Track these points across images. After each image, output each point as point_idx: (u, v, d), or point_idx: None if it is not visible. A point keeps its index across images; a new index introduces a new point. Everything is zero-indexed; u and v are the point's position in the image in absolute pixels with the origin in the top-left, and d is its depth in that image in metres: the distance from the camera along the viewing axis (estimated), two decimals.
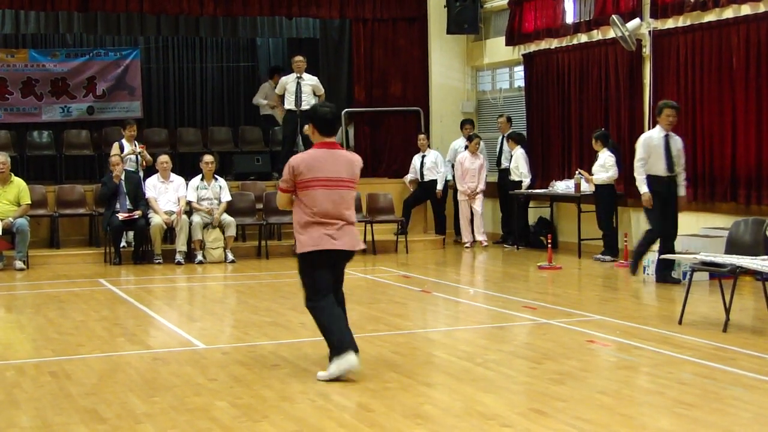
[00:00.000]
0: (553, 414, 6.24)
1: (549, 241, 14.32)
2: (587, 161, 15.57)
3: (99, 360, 8.13)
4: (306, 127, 8.02)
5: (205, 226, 14.79)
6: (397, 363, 7.83)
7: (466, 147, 17.02)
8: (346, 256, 7.62)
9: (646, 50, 14.50)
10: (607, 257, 14.52)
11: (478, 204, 16.77)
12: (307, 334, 9.12)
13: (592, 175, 14.70)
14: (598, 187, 14.64)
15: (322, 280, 7.46)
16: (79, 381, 7.29)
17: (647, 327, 9.25)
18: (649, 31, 14.40)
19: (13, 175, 14.78)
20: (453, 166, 17.28)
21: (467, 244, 16.75)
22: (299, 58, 17.70)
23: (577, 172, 15.21)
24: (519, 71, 17.75)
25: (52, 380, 7.32)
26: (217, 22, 19.55)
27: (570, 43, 16.09)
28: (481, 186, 16.82)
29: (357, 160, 7.71)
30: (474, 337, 9.22)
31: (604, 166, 14.56)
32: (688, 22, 13.80)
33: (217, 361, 8.03)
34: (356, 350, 7.23)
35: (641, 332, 9.00)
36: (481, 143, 17.11)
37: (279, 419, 6.20)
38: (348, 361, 7.15)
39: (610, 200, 14.72)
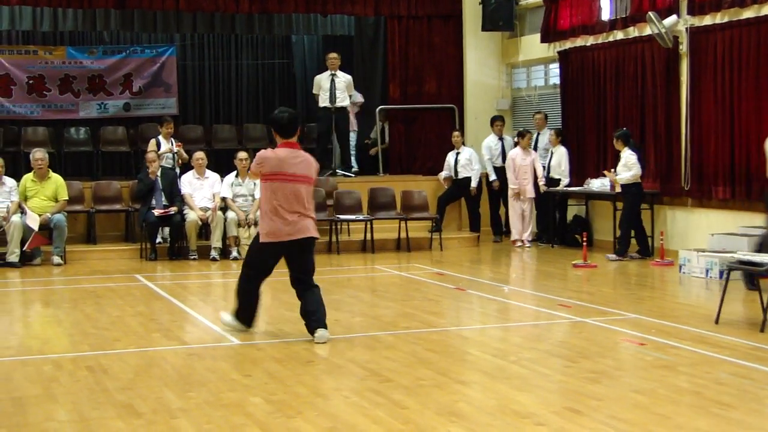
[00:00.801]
0: (588, 413, 6.21)
1: (584, 239, 14.25)
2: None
3: (135, 355, 8.19)
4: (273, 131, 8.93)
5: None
6: (431, 360, 7.82)
7: (516, 143, 16.89)
8: (300, 244, 8.63)
9: (683, 47, 14.38)
10: (614, 255, 14.44)
11: (527, 202, 16.62)
12: (342, 330, 9.14)
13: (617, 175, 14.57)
14: (624, 187, 14.51)
15: (266, 264, 8.88)
16: (116, 376, 7.34)
17: (683, 326, 9.19)
18: (686, 28, 14.29)
19: (50, 171, 14.90)
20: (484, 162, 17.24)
21: (519, 243, 16.59)
22: (333, 55, 17.75)
23: (603, 173, 15.13)
24: (554, 68, 17.67)
25: (89, 375, 7.38)
26: (252, 19, 19.59)
27: (606, 40, 16.00)
28: (533, 183, 16.63)
29: (313, 161, 8.82)
30: (508, 335, 9.20)
31: (627, 165, 14.44)
32: (726, 19, 13.68)
33: (251, 357, 8.05)
34: (250, 327, 8.93)
35: (677, 331, 8.95)
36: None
37: (313, 415, 6.21)
38: (238, 327, 8.91)
39: (634, 199, 14.54)
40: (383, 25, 19.35)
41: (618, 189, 14.64)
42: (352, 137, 18.58)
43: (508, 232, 17.15)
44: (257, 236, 8.91)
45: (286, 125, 8.68)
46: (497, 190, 17.12)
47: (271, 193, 8.52)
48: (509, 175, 16.69)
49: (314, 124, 19.19)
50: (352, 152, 18.60)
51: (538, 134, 17.09)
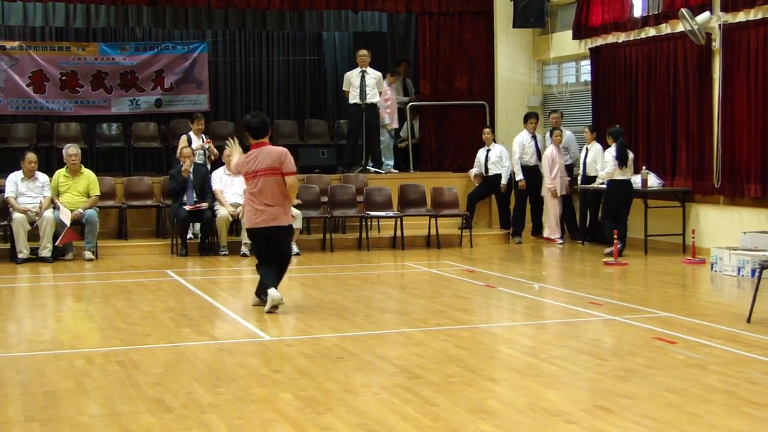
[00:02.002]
0: (619, 411, 6.19)
1: (616, 236, 14.19)
2: (654, 156, 15.42)
3: (165, 350, 8.22)
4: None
5: None
6: (461, 357, 7.81)
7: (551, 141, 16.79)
8: (271, 231, 9.90)
9: (716, 44, 14.28)
10: (607, 249, 14.63)
11: (559, 201, 16.58)
12: (372, 327, 9.16)
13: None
14: (608, 181, 15.07)
15: (257, 249, 10.31)
16: (146, 370, 7.38)
17: (715, 324, 9.14)
18: (719, 25, 14.19)
19: (83, 166, 14.99)
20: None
21: (560, 242, 16.47)
22: (363, 52, 17.77)
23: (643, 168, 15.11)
24: (585, 65, 17.60)
25: (120, 369, 7.42)
26: (283, 16, 19.63)
27: (638, 37, 15.91)
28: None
29: (280, 151, 10.02)
30: (538, 332, 9.17)
31: (608, 162, 14.96)
32: (760, 15, 13.56)
33: (281, 353, 8.07)
34: (275, 286, 9.90)
35: (709, 330, 8.90)
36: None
37: (343, 412, 6.22)
38: (271, 294, 9.77)
39: (609, 195, 15.08)
40: (414, 22, 19.35)
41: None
42: (385, 136, 18.49)
43: (538, 231, 17.01)
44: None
45: (256, 128, 10.07)
46: (523, 189, 16.94)
47: (248, 187, 10.02)
48: (546, 173, 16.62)
49: (344, 120, 19.24)
50: (389, 150, 18.57)
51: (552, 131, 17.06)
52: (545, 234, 16.81)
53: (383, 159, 18.21)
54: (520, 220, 16.99)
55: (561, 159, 16.49)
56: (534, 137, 17.05)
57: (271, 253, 10.07)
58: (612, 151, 14.87)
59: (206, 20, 19.38)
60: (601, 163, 15.34)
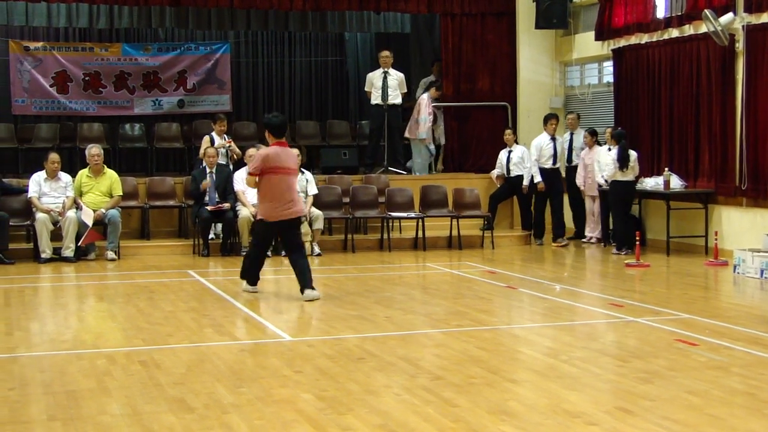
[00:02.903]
0: (640, 413, 6.17)
1: (637, 238, 14.14)
2: (677, 158, 15.37)
3: (187, 350, 8.25)
4: (266, 132, 10.94)
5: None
6: (482, 359, 7.81)
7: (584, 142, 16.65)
8: (292, 222, 10.82)
9: (740, 45, 14.21)
10: (622, 251, 14.89)
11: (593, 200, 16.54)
12: (393, 328, 9.16)
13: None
14: (610, 183, 15.30)
15: (267, 239, 11.33)
16: (168, 370, 7.41)
17: (737, 327, 9.10)
18: (743, 26, 14.12)
19: (105, 167, 15.05)
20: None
21: (594, 241, 16.44)
22: (386, 53, 17.79)
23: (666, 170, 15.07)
24: (608, 66, 17.55)
25: (142, 369, 7.45)
26: (305, 16, 19.67)
27: (661, 38, 15.86)
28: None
29: (296, 153, 11.30)
30: (560, 333, 9.15)
31: (606, 163, 15.23)
32: None
33: (302, 353, 8.09)
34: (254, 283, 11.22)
35: (731, 332, 8.86)
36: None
37: (364, 412, 6.23)
38: (254, 289, 11.20)
39: (614, 197, 15.27)
40: (437, 23, 19.36)
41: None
42: (423, 152, 18.37)
43: (561, 234, 16.83)
44: (258, 222, 11.12)
45: (279, 126, 10.81)
46: (542, 191, 16.67)
47: (271, 182, 10.62)
48: (579, 173, 16.51)
49: (366, 121, 19.25)
50: (425, 170, 18.47)
51: (572, 134, 16.99)
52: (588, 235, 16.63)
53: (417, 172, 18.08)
54: (542, 222, 16.84)
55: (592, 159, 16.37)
56: (554, 139, 16.79)
57: (290, 243, 11.00)
58: (613, 153, 15.01)
59: (229, 21, 19.45)
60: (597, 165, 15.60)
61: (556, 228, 16.64)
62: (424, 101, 18.01)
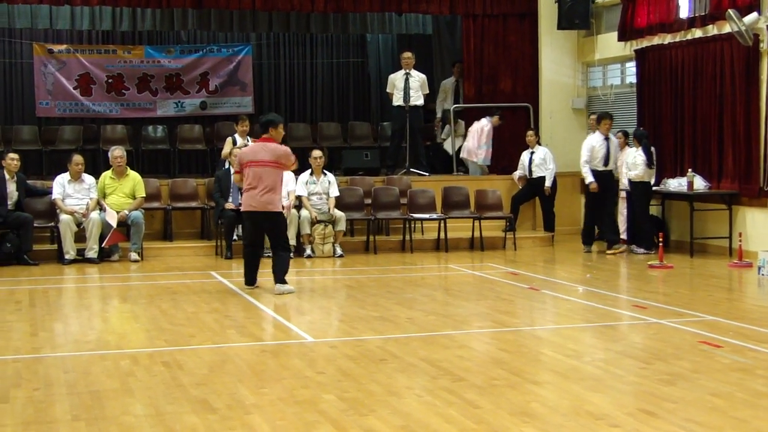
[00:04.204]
0: (664, 415, 6.15)
1: (660, 239, 14.08)
2: (701, 159, 15.30)
3: (210, 351, 8.27)
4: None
5: (315, 222, 14.91)
6: (505, 360, 7.80)
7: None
8: (262, 215, 11.29)
9: (764, 45, 14.14)
10: (641, 249, 15.11)
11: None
12: (415, 329, 9.16)
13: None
14: (632, 184, 15.23)
15: (246, 232, 11.88)
16: (191, 371, 7.43)
17: (761, 328, 9.05)
18: (767, 26, 14.05)
19: (129, 168, 15.12)
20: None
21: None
22: (408, 54, 17.79)
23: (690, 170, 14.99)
24: (631, 67, 17.49)
25: (165, 370, 7.47)
26: (327, 18, 19.71)
27: (684, 39, 15.79)
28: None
29: (280, 149, 11.40)
30: (582, 335, 9.13)
31: (634, 164, 15.04)
32: None
33: (325, 354, 8.09)
34: (252, 285, 11.67)
35: (755, 334, 8.81)
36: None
37: (386, 413, 6.22)
38: (250, 288, 11.60)
39: (639, 197, 15.21)
40: (459, 24, 19.35)
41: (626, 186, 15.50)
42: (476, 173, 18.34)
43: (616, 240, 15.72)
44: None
45: (260, 125, 11.69)
46: (595, 192, 15.62)
47: (247, 176, 11.31)
48: (621, 173, 15.80)
49: (388, 122, 19.26)
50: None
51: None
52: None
53: None
54: (591, 228, 15.96)
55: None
56: (607, 139, 15.74)
57: (270, 239, 11.95)
58: (641, 153, 14.93)
59: (251, 23, 19.52)
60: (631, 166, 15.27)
61: (610, 234, 15.59)
62: (487, 128, 17.94)
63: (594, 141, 15.81)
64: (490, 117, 18.13)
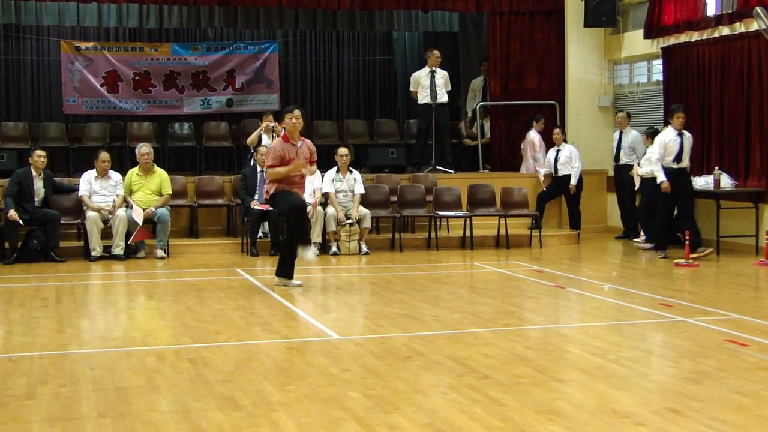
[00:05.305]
0: (690, 414, 6.12)
1: (687, 237, 14.00)
2: (727, 157, 15.22)
3: (235, 348, 8.30)
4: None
5: (340, 224, 14.93)
6: (530, 358, 7.78)
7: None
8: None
9: None
10: (647, 245, 15.24)
11: None
12: (440, 327, 9.16)
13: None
14: (642, 180, 15.34)
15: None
16: (216, 368, 7.45)
17: None
18: None
19: (155, 165, 15.17)
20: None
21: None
22: (436, 52, 17.77)
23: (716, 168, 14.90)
24: (657, 65, 17.42)
25: (191, 367, 7.50)
26: (354, 15, 19.73)
27: (711, 36, 15.71)
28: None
29: (307, 143, 11.81)
30: (608, 333, 9.09)
31: (648, 160, 14.98)
32: None
33: (350, 352, 8.10)
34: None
35: None
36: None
37: (411, 411, 6.23)
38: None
39: (650, 193, 15.06)
40: (485, 22, 19.32)
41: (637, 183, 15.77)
42: None
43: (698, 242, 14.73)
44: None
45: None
46: (667, 192, 14.43)
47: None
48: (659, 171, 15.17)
49: (414, 120, 19.25)
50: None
51: (621, 133, 16.80)
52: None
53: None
54: (666, 232, 14.80)
55: None
56: (681, 134, 14.48)
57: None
58: (654, 150, 14.80)
59: (277, 20, 19.56)
60: (644, 162, 15.42)
61: (693, 236, 14.15)
62: (537, 139, 17.84)
63: (667, 136, 14.51)
64: (533, 124, 17.95)
